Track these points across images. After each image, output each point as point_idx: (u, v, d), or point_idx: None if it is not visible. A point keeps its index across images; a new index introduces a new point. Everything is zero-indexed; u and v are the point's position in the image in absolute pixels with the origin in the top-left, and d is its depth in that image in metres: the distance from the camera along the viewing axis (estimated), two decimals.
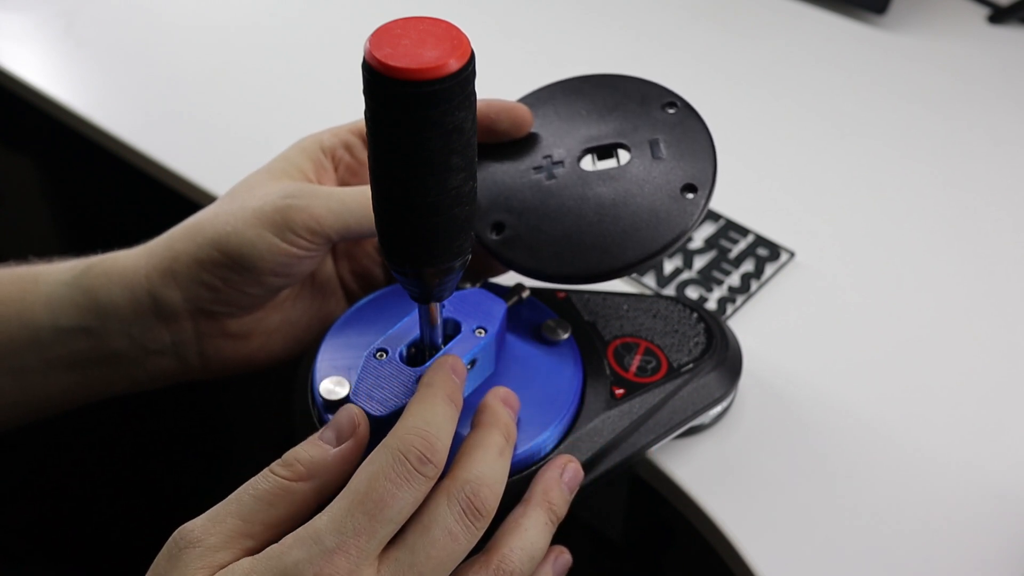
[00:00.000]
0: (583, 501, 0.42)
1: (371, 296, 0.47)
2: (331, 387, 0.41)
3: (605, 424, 0.43)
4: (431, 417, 0.35)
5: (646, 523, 0.63)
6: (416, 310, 0.39)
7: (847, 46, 0.80)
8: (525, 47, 0.79)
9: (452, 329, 0.42)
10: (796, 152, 0.70)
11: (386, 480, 0.33)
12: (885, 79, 0.77)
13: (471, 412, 0.39)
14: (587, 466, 0.42)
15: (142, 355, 0.47)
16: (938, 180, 0.67)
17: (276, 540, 0.33)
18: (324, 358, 0.43)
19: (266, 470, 0.35)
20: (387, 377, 0.39)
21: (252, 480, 0.35)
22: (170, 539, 0.34)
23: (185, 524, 0.34)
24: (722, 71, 0.77)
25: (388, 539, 0.34)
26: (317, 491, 0.35)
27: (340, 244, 0.50)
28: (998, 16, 0.83)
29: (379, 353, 0.40)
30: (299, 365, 0.46)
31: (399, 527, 0.34)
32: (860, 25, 0.82)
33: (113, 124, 0.71)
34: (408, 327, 0.41)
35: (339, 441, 0.36)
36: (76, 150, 0.83)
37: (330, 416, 0.39)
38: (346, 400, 0.40)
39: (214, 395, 0.90)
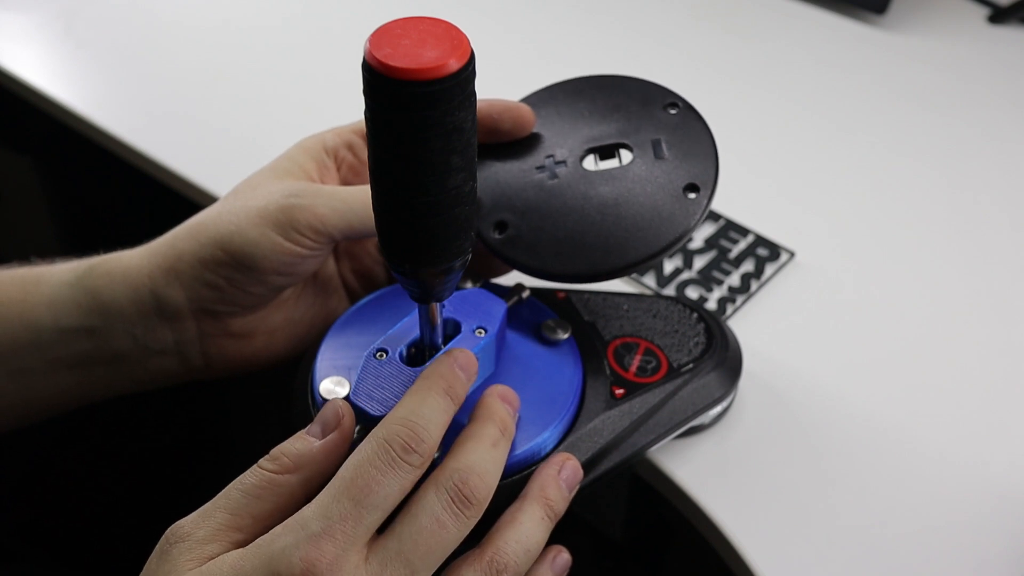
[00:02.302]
0: (584, 501, 0.42)
1: (371, 296, 0.47)
2: (331, 387, 0.41)
3: (605, 424, 0.43)
4: (421, 408, 0.35)
5: (646, 523, 0.63)
6: (416, 310, 0.39)
7: (847, 46, 0.80)
8: (525, 47, 0.79)
9: (452, 329, 0.42)
10: (796, 152, 0.70)
11: (371, 467, 0.34)
12: (885, 79, 0.77)
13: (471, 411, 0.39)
14: (587, 466, 0.42)
15: (144, 355, 0.47)
16: (938, 180, 0.67)
17: (265, 532, 0.34)
18: (324, 358, 0.43)
19: (254, 466, 0.36)
20: (387, 377, 0.39)
21: (241, 476, 0.36)
22: (162, 537, 0.35)
23: (176, 522, 0.35)
24: (722, 71, 0.77)
25: (375, 526, 0.34)
26: (304, 483, 0.35)
27: (342, 243, 0.50)
28: (998, 16, 0.83)
29: (379, 353, 0.40)
30: (299, 365, 0.46)
31: (386, 514, 0.34)
32: (860, 25, 0.82)
33: (113, 124, 0.71)
34: (408, 327, 0.41)
35: (324, 434, 0.36)
36: (76, 150, 0.83)
37: None
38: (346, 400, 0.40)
39: (215, 395, 0.90)
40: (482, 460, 0.36)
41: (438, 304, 0.39)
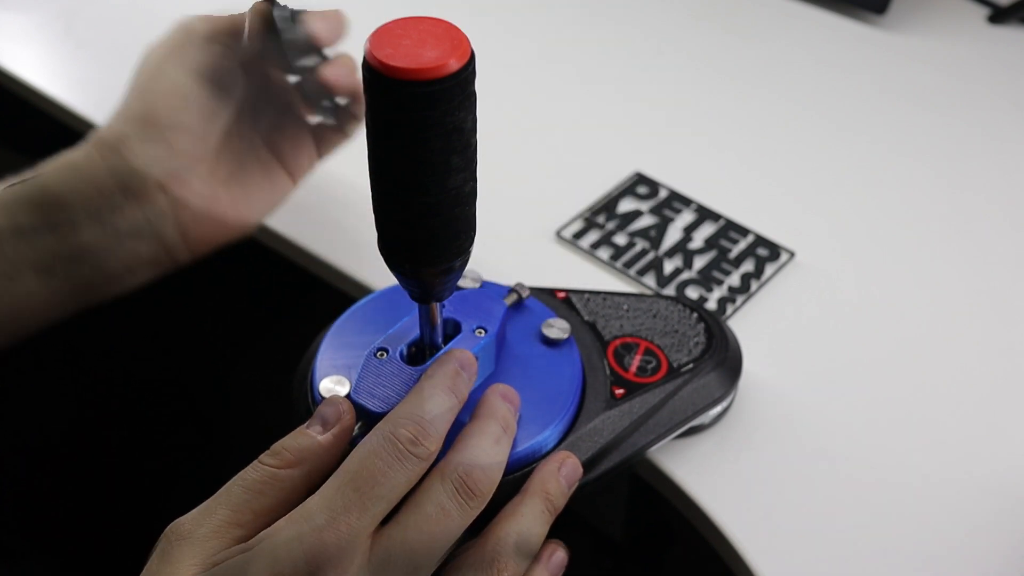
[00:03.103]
0: (584, 501, 0.42)
1: (371, 296, 0.47)
2: (331, 386, 0.41)
3: (605, 424, 0.43)
4: (426, 404, 0.36)
5: (646, 523, 0.63)
6: (416, 309, 0.40)
7: (847, 46, 0.80)
8: (526, 47, 0.79)
9: (452, 329, 0.42)
10: (796, 152, 0.70)
11: (377, 459, 0.34)
12: (885, 79, 0.77)
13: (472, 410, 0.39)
14: (587, 466, 0.42)
15: (115, 241, 0.47)
16: (938, 180, 0.67)
17: (267, 528, 0.34)
18: (324, 357, 0.43)
19: (255, 461, 0.36)
20: (387, 376, 0.39)
21: (241, 472, 0.36)
22: (162, 535, 0.35)
23: (176, 519, 0.35)
24: (722, 71, 0.77)
25: (380, 517, 0.34)
26: (305, 477, 0.35)
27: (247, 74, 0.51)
28: (998, 16, 0.83)
29: (379, 352, 0.40)
30: (299, 365, 0.46)
31: (391, 506, 0.34)
32: (860, 25, 0.82)
33: None
34: (408, 327, 0.41)
35: (324, 430, 0.36)
36: None
37: None
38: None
39: (215, 394, 0.90)
40: (485, 455, 0.36)
41: (438, 304, 0.39)
